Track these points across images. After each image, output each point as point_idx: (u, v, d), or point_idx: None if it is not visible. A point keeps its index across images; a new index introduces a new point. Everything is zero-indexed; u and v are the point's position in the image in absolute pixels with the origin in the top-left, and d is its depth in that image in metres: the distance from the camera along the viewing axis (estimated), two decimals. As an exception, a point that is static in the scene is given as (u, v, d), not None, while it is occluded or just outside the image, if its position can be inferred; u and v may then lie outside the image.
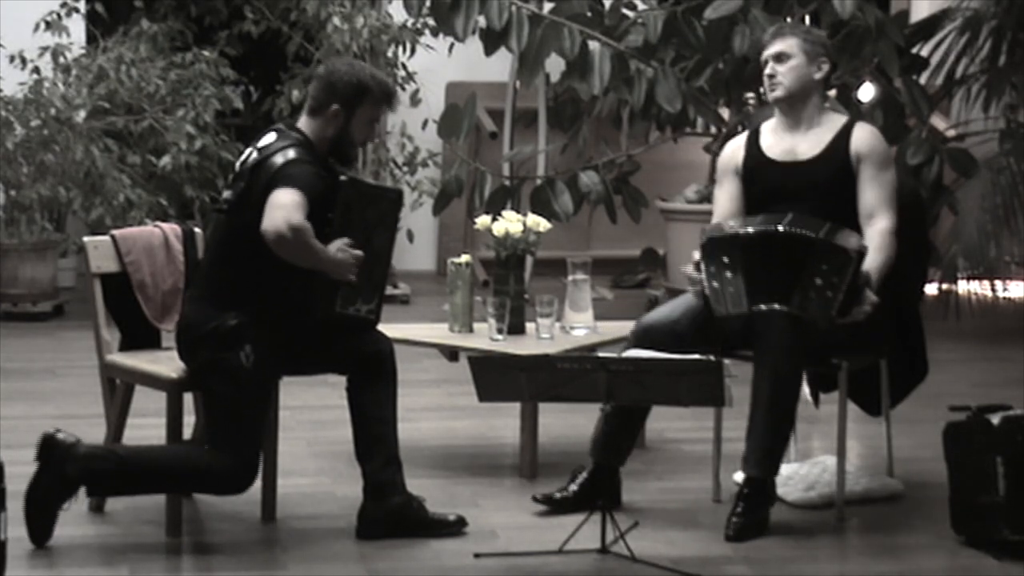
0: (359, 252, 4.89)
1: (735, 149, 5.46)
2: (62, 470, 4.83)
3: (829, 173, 5.26)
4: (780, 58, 5.29)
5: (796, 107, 5.33)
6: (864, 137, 5.29)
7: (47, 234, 8.50)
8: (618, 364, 4.67)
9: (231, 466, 4.84)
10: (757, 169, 5.37)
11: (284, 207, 4.75)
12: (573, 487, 5.25)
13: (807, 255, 5.01)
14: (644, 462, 5.80)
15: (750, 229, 5.09)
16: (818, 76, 5.31)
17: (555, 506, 5.20)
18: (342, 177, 4.94)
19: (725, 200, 5.41)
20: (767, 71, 5.32)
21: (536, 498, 5.26)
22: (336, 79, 4.97)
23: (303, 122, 5.00)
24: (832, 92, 7.97)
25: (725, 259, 5.08)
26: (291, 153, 4.88)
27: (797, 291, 5.01)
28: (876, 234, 5.19)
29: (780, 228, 5.05)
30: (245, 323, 4.85)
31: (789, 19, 7.86)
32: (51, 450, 4.85)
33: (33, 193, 8.34)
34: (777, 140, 5.38)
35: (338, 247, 4.87)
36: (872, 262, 5.11)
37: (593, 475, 5.25)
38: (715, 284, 5.09)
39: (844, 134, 5.30)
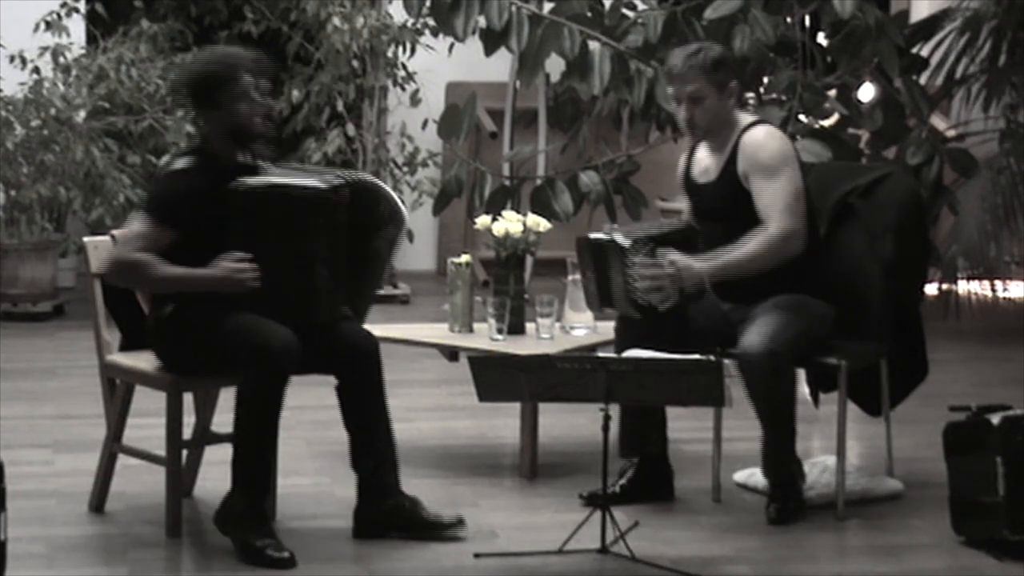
0: (241, 262, 4.79)
1: (680, 165, 5.52)
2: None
3: (725, 196, 5.28)
4: (693, 100, 5.26)
5: (720, 133, 5.32)
6: (745, 153, 5.25)
7: (47, 234, 8.49)
8: (618, 364, 4.67)
9: (274, 353, 4.73)
10: (688, 189, 5.47)
11: (119, 241, 4.83)
12: (622, 482, 5.31)
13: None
14: (644, 462, 5.79)
15: (591, 236, 5.24)
16: (732, 100, 5.31)
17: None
18: (232, 185, 4.81)
19: (685, 210, 5.57)
20: (683, 112, 5.28)
21: (582, 496, 5.29)
22: (182, 85, 4.85)
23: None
24: (832, 92, 7.96)
25: (585, 258, 5.26)
26: (176, 163, 4.92)
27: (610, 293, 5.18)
28: (755, 234, 5.18)
29: (592, 236, 5.23)
30: (180, 308, 4.88)
31: (788, 19, 7.85)
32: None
33: (33, 193, 8.33)
34: (702, 157, 5.42)
35: (222, 262, 4.80)
36: (732, 251, 5.14)
37: (639, 470, 5.33)
38: (583, 279, 5.31)
39: (734, 153, 5.26)
